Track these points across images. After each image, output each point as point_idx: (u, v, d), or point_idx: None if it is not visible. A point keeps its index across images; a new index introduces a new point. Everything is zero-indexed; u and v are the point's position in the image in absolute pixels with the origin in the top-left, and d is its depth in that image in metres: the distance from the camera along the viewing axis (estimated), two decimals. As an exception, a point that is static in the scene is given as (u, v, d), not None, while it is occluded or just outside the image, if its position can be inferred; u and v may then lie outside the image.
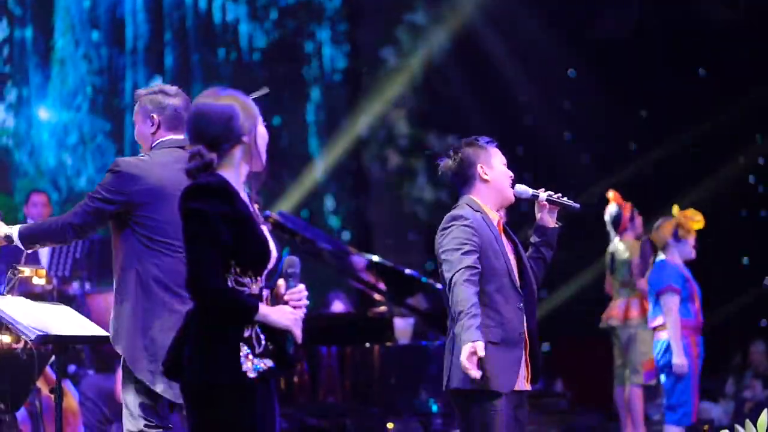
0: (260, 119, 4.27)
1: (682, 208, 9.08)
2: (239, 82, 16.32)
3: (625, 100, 15.73)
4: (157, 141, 5.82)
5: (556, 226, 5.63)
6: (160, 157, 5.69)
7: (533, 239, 5.64)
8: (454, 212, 5.42)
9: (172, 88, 5.93)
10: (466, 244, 5.24)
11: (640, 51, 15.85)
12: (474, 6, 16.57)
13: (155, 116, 5.82)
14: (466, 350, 5.02)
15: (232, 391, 4.10)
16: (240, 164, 4.23)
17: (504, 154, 5.66)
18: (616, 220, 10.60)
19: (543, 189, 5.62)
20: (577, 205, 5.59)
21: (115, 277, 5.66)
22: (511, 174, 5.54)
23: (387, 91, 17.10)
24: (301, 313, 4.23)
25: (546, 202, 5.58)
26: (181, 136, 5.72)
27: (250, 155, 4.23)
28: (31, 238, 5.73)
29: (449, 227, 5.34)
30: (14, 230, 5.74)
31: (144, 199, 5.55)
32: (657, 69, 15.67)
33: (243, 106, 4.23)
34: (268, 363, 4.13)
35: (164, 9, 15.66)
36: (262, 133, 4.28)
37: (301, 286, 4.26)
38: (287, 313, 4.19)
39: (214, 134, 4.20)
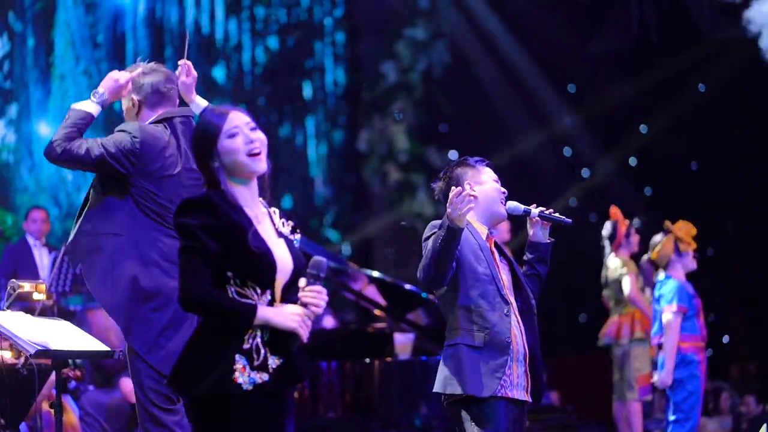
0: (222, 135, 4.24)
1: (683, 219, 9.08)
2: (240, 98, 16.37)
3: (625, 115, 15.77)
4: (145, 123, 5.81)
5: (549, 241, 5.63)
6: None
7: (527, 256, 5.64)
8: (435, 221, 5.43)
9: (148, 65, 5.91)
10: None
11: (641, 65, 15.89)
12: (474, 21, 16.63)
13: (134, 97, 5.82)
14: (448, 204, 5.09)
15: (224, 403, 4.10)
16: (228, 181, 4.27)
17: (501, 169, 5.67)
18: (612, 236, 10.64)
19: (535, 205, 5.62)
20: (569, 220, 5.58)
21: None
22: (504, 191, 5.53)
23: (387, 106, 17.15)
24: (311, 313, 4.17)
25: (538, 218, 5.58)
26: (166, 109, 5.81)
27: (228, 172, 4.25)
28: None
29: (429, 236, 5.35)
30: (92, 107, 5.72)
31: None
32: (658, 83, 15.71)
33: (200, 134, 4.31)
34: (264, 377, 4.11)
35: (164, 25, 15.69)
36: (226, 148, 4.24)
37: (320, 287, 4.20)
38: (291, 314, 4.15)
39: (197, 163, 4.37)
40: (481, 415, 5.21)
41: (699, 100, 15.58)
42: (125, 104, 5.89)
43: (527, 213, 5.59)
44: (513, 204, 5.55)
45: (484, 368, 5.22)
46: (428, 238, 5.34)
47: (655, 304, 8.88)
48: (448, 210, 5.07)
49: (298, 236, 4.42)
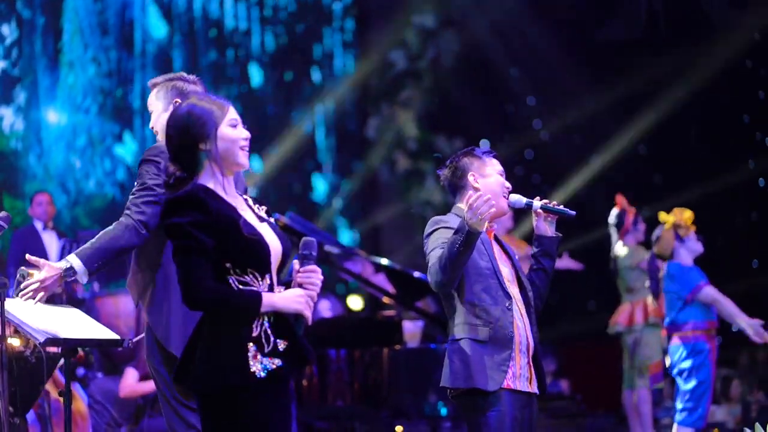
0: (224, 122, 4.27)
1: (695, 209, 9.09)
2: (248, 84, 16.35)
3: (633, 103, 15.73)
4: None
5: (554, 235, 5.59)
6: None
7: (533, 250, 5.62)
8: (435, 218, 5.47)
9: (191, 76, 5.86)
10: (445, 242, 5.25)
11: (649, 53, 15.85)
12: (483, 11, 16.62)
13: (179, 101, 5.74)
14: (466, 208, 5.07)
15: (241, 392, 4.10)
16: (213, 169, 4.27)
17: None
18: (618, 224, 10.64)
19: (538, 198, 5.59)
20: (573, 213, 5.53)
21: (152, 273, 5.55)
22: (508, 185, 5.51)
23: (395, 94, 17.14)
24: (312, 293, 4.21)
25: (541, 211, 5.55)
26: None
27: (216, 160, 4.25)
28: (97, 257, 5.31)
29: (431, 233, 5.38)
30: (72, 260, 5.33)
31: None
32: (665, 72, 15.66)
33: (197, 115, 4.26)
34: (277, 362, 4.12)
35: (173, 11, 15.67)
36: (226, 135, 4.27)
37: (314, 266, 4.24)
38: (295, 296, 4.18)
39: (173, 147, 4.30)
40: (488, 406, 5.23)
41: (707, 89, 15.53)
42: (160, 108, 5.78)
43: (529, 206, 5.55)
44: (515, 197, 5.53)
45: (489, 362, 5.24)
46: (430, 234, 5.37)
47: (665, 290, 8.90)
48: (467, 214, 5.06)
49: (272, 219, 4.42)
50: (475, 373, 5.22)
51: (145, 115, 14.53)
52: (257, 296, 4.13)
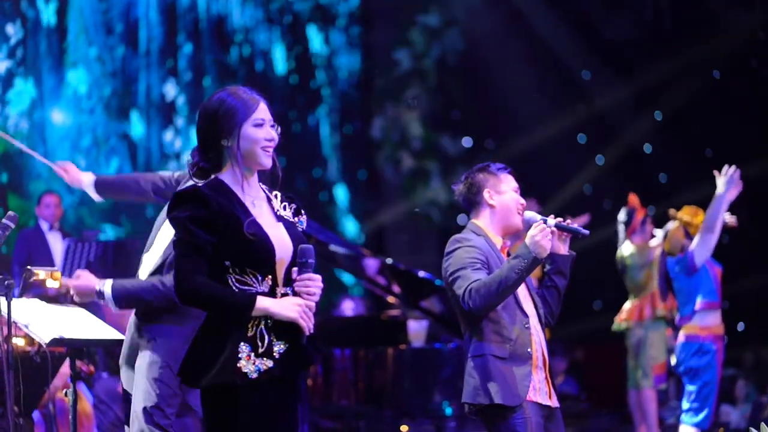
0: (249, 121, 4.24)
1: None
2: (252, 84, 16.32)
3: (640, 101, 15.73)
4: None
5: (568, 254, 5.56)
6: None
7: (546, 267, 5.62)
8: (457, 236, 5.49)
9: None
10: (474, 261, 5.30)
11: (655, 52, 15.85)
12: (488, 10, 16.62)
13: None
14: (534, 232, 5.19)
15: (232, 390, 4.10)
16: (234, 166, 4.25)
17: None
18: (628, 222, 10.65)
19: (552, 216, 5.57)
20: (587, 232, 5.51)
21: None
22: (523, 201, 5.55)
23: (400, 93, 17.14)
24: (310, 303, 4.18)
25: (555, 229, 5.53)
26: None
27: (237, 158, 4.23)
28: (125, 299, 5.45)
29: (453, 250, 5.40)
30: (106, 287, 5.49)
31: None
32: (671, 70, 15.66)
33: (225, 109, 4.24)
34: (269, 363, 4.11)
35: (178, 10, 15.67)
36: (249, 135, 4.24)
37: (312, 275, 4.20)
38: (291, 304, 4.15)
39: (200, 137, 4.30)
40: (511, 414, 5.27)
41: (713, 87, 15.53)
42: None
43: (543, 223, 5.55)
44: (529, 214, 5.52)
45: (511, 378, 5.28)
46: (452, 252, 5.39)
47: (675, 286, 8.92)
48: (537, 237, 5.16)
49: (303, 218, 4.41)
50: (498, 389, 5.26)
51: (150, 113, 14.57)
52: (250, 298, 4.11)
